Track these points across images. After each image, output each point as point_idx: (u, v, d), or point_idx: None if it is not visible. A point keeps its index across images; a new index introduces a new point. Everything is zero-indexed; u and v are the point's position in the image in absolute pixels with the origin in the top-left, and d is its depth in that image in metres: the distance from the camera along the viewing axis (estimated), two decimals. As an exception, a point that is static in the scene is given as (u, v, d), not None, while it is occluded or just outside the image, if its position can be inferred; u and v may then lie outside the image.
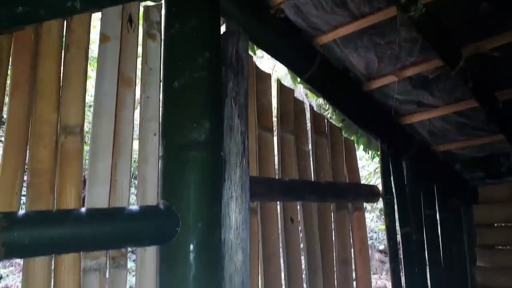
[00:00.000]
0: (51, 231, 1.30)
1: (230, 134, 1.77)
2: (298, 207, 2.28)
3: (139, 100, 1.74)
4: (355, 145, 2.86)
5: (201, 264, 1.44)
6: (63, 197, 1.44)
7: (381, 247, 7.26)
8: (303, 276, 2.23)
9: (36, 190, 1.40)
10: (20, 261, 5.66)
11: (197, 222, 1.47)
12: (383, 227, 7.30)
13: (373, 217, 7.67)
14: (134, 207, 1.53)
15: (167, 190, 1.52)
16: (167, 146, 1.55)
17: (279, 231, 2.13)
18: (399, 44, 2.30)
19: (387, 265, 6.86)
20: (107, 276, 1.49)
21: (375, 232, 7.45)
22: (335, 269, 2.39)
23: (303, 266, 2.23)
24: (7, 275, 5.53)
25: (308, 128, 2.50)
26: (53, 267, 1.40)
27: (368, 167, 7.58)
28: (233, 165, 1.76)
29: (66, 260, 1.40)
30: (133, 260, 4.65)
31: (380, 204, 7.42)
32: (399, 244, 2.83)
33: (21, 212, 1.32)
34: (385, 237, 7.24)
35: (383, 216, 7.44)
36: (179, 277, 1.43)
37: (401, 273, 2.78)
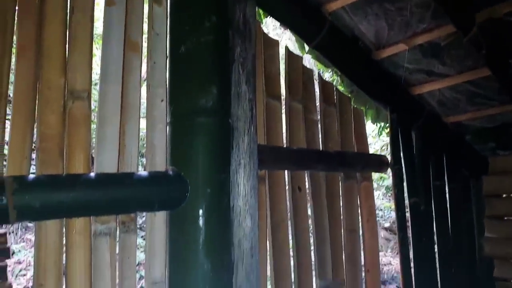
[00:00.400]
0: (61, 195, 1.30)
1: (237, 101, 1.75)
2: (306, 176, 2.27)
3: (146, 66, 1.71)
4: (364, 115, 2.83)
5: (210, 228, 1.45)
6: (72, 162, 1.44)
7: (387, 224, 7.28)
8: (311, 244, 2.24)
9: (45, 154, 1.39)
10: (31, 236, 5.78)
11: (206, 187, 1.47)
12: (389, 204, 7.32)
13: (379, 195, 7.67)
14: (143, 172, 1.54)
15: (176, 156, 1.52)
16: (175, 112, 1.54)
17: (287, 200, 2.14)
18: (410, 9, 2.24)
19: (392, 243, 6.91)
20: (117, 240, 1.51)
21: (381, 210, 7.47)
22: (342, 238, 2.40)
23: (311, 235, 2.24)
24: (19, 251, 5.67)
25: (316, 97, 2.47)
26: (64, 231, 1.42)
27: (375, 144, 7.56)
28: (241, 133, 1.74)
29: (77, 224, 1.42)
30: (142, 237, 4.71)
31: (386, 181, 7.44)
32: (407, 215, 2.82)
33: (31, 175, 1.32)
34: (390, 214, 7.26)
35: (389, 194, 7.47)
36: (189, 241, 1.44)
37: (409, 244, 2.79)
